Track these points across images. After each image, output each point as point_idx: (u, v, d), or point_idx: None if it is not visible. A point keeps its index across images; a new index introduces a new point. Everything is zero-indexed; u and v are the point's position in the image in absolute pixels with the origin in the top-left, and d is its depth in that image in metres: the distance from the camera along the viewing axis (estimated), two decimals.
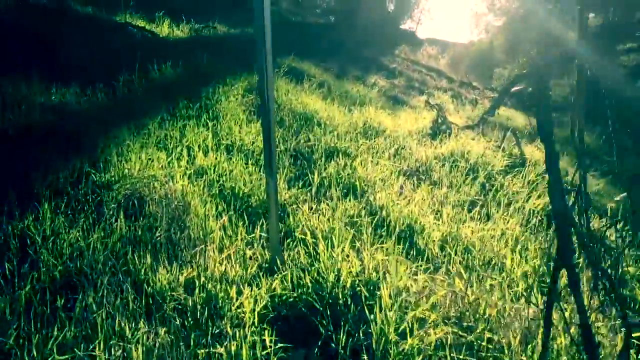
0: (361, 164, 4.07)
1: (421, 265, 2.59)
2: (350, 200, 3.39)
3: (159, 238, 2.54)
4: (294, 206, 3.18)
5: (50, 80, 4.16)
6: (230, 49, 8.34)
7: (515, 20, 22.23)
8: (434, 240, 2.99)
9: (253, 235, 2.75)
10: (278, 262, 2.49)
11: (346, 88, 8.38)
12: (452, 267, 2.69)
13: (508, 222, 3.41)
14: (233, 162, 3.57)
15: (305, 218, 2.99)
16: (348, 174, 3.82)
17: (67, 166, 2.95)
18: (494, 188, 4.24)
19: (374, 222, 3.08)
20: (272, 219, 2.45)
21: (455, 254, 2.84)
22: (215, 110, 4.67)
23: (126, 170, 3.05)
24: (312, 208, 3.18)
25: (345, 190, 3.62)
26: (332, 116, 5.41)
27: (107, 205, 2.70)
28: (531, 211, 3.71)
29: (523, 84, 7.48)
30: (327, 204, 3.22)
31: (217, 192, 3.17)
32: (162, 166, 3.26)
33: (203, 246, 2.50)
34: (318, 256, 2.50)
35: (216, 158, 3.52)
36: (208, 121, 4.29)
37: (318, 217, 2.98)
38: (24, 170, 2.81)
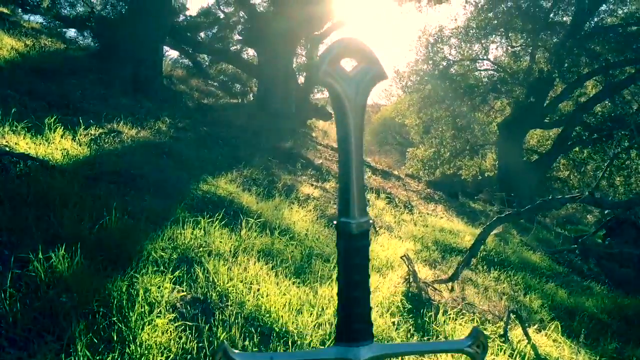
0: None
1: None
2: None
3: None
4: None
5: None
6: (143, 173, 6.71)
7: (428, 102, 22.63)
8: None
9: None
10: None
11: (286, 221, 7.02)
12: None
13: None
14: None
15: None
16: None
17: None
18: None
19: None
20: None
21: None
22: (133, 354, 3.06)
23: None
24: None
25: None
26: (298, 319, 3.99)
27: None
28: None
29: (502, 225, 6.76)
30: None
31: None
32: None
33: None
34: None
35: None
36: None
37: None
38: None
